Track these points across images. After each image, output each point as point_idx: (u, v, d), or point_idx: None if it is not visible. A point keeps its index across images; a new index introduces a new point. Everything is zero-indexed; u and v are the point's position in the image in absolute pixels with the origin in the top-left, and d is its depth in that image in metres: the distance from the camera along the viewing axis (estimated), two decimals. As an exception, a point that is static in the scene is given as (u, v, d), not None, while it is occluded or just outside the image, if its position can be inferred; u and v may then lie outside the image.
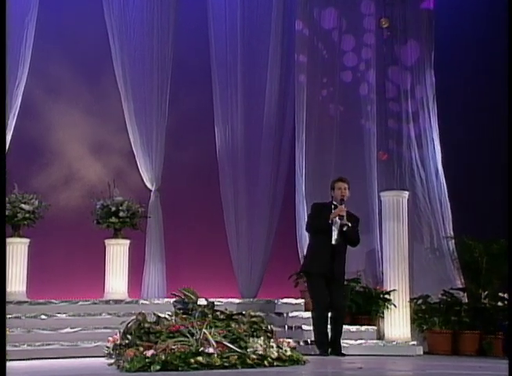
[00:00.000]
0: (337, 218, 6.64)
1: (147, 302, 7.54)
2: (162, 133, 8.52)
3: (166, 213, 8.51)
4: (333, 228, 6.66)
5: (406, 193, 8.06)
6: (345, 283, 7.00)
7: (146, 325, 5.44)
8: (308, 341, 7.02)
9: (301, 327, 7.34)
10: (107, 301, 7.50)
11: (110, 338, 5.58)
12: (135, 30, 8.54)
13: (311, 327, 7.12)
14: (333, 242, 6.64)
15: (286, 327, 7.32)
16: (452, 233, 8.78)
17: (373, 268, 8.59)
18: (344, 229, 6.62)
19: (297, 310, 7.65)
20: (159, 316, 5.59)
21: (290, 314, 7.50)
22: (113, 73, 8.45)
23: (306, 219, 7.10)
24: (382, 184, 8.83)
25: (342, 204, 6.68)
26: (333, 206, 6.72)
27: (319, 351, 6.66)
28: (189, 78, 8.91)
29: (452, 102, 9.12)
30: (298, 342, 6.77)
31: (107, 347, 5.60)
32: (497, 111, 8.40)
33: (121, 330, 5.54)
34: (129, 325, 5.53)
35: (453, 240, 8.66)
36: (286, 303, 7.77)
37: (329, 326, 6.67)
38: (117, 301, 7.52)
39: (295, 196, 8.56)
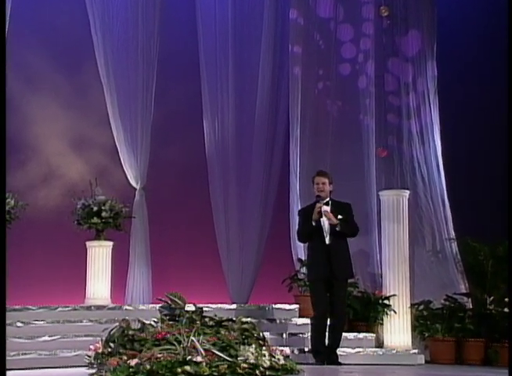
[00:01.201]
0: (325, 218, 6.62)
1: (131, 308, 7.55)
2: (147, 128, 8.52)
3: (152, 213, 8.53)
4: (324, 227, 6.65)
5: (407, 193, 8.07)
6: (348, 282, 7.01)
7: (130, 332, 5.45)
8: (304, 349, 7.06)
9: (295, 335, 7.38)
10: (88, 307, 7.45)
11: (92, 347, 5.54)
12: (118, 19, 8.51)
13: (306, 335, 7.23)
14: (327, 242, 6.63)
15: (281, 334, 7.34)
16: (454, 234, 8.82)
17: (371, 271, 8.59)
18: (338, 229, 6.62)
19: (292, 316, 7.69)
20: (144, 323, 5.61)
21: (284, 321, 7.53)
22: (95, 64, 8.43)
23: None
24: (381, 183, 8.82)
25: (318, 202, 6.66)
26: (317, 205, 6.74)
27: (315, 360, 6.68)
28: (177, 70, 8.91)
29: (454, 96, 9.14)
30: (293, 351, 6.82)
31: (88, 356, 5.55)
32: (501, 107, 8.41)
33: (103, 338, 5.53)
34: (112, 332, 5.53)
35: (456, 242, 8.69)
36: (279, 309, 7.79)
37: (327, 333, 6.71)
38: (99, 307, 7.52)
39: (289, 195, 8.56)
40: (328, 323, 6.76)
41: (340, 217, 6.74)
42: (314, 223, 6.64)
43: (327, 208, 6.71)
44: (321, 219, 6.69)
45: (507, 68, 7.81)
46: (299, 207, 8.15)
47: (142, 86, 8.46)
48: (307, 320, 7.24)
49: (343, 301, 6.80)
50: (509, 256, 7.34)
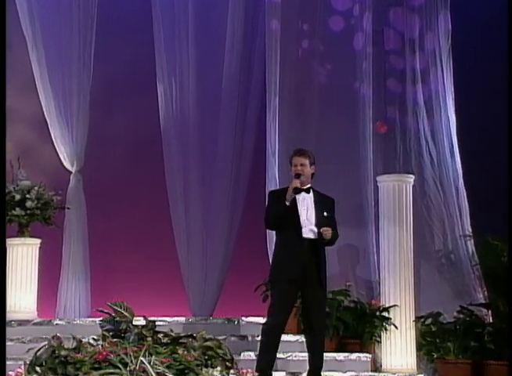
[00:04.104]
0: (304, 209, 6.66)
1: (64, 323, 7.57)
2: (85, 95, 8.51)
3: (91, 203, 8.56)
4: (300, 216, 6.65)
5: (412, 178, 8.09)
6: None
7: (63, 353, 5.50)
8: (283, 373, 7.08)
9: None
10: (9, 323, 7.36)
11: (12, 373, 5.59)
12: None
13: (286, 355, 7.24)
14: (304, 235, 6.66)
15: (252, 353, 7.27)
16: (471, 230, 8.83)
17: (366, 276, 8.57)
18: (327, 238, 6.65)
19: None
20: (80, 341, 5.65)
21: (257, 337, 7.38)
22: (15, 11, 8.47)
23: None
24: (379, 165, 8.81)
25: (298, 178, 6.68)
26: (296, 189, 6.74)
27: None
28: (123, 21, 8.94)
29: (472, 56, 9.16)
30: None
31: (8, 385, 5.68)
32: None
33: (28, 362, 5.58)
34: (39, 354, 5.57)
35: (473, 240, 8.69)
36: (251, 323, 7.81)
37: (303, 353, 6.74)
38: (21, 323, 7.57)
39: (265, 181, 8.50)
40: (305, 339, 6.79)
41: (325, 214, 6.76)
42: (288, 203, 6.61)
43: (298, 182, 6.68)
44: (298, 206, 6.68)
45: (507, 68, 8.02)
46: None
47: (77, 42, 8.46)
48: (288, 337, 7.26)
49: (323, 311, 6.81)
50: (509, 256, 7.51)
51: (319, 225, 6.67)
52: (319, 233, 6.64)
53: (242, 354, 7.15)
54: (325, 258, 6.75)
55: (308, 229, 6.67)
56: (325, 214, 6.73)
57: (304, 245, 6.64)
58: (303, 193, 6.74)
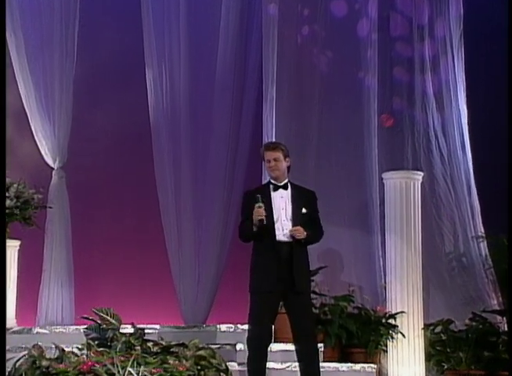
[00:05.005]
0: (281, 212, 6.59)
1: (46, 331, 7.58)
2: (68, 85, 8.50)
3: (75, 202, 8.54)
4: (275, 220, 6.58)
5: (420, 175, 8.10)
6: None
7: (44, 363, 5.53)
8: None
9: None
10: None
11: None
12: None
13: (283, 365, 7.21)
14: (280, 238, 6.56)
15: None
16: (484, 231, 8.86)
17: (371, 280, 8.57)
18: (300, 238, 6.55)
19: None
20: (63, 350, 5.68)
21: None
22: None
23: None
24: (385, 161, 8.81)
25: (257, 200, 6.52)
26: (272, 187, 6.68)
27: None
28: (108, 6, 8.97)
29: (486, 43, 9.18)
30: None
31: (-16, 399, 5.69)
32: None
33: (7, 373, 5.57)
34: (18, 364, 5.61)
35: (487, 242, 8.71)
36: (247, 330, 7.59)
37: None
38: None
39: (261, 178, 8.37)
40: (295, 349, 6.70)
41: (304, 211, 6.68)
42: (255, 228, 6.56)
43: (297, 228, 6.57)
44: (272, 207, 6.59)
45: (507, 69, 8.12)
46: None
47: (59, 26, 8.44)
48: (286, 346, 7.24)
49: (310, 318, 6.71)
50: (509, 256, 7.58)
51: (295, 224, 6.58)
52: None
53: (237, 364, 7.10)
54: (306, 258, 6.67)
55: (286, 231, 6.59)
56: (303, 211, 6.64)
57: (281, 249, 6.55)
58: (280, 190, 6.67)
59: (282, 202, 6.63)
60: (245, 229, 6.64)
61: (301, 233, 6.53)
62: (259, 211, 6.48)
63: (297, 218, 6.58)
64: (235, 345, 7.54)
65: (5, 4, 6.00)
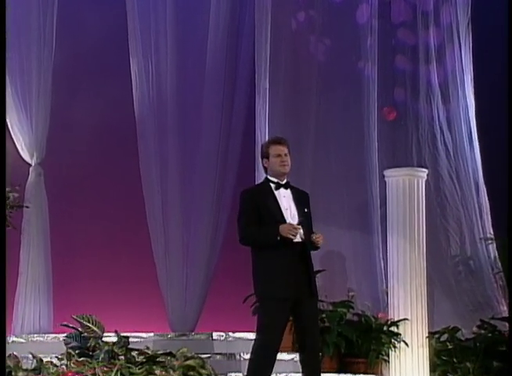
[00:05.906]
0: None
1: (22, 340, 7.61)
2: (47, 76, 8.48)
3: (53, 201, 8.50)
4: (287, 216, 6.60)
5: (424, 172, 8.14)
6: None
7: (21, 374, 5.62)
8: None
9: None
10: None
11: None
12: None
13: None
14: (297, 238, 6.53)
15: (241, 374, 7.30)
16: (493, 232, 8.91)
17: (372, 285, 8.61)
18: (319, 245, 6.59)
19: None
20: (41, 360, 5.76)
21: (246, 355, 7.35)
22: None
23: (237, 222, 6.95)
24: (387, 157, 8.87)
25: (299, 223, 6.55)
26: (273, 186, 6.66)
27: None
28: None
29: (495, 30, 9.12)
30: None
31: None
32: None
33: None
34: None
35: (496, 244, 8.74)
36: (240, 339, 7.83)
37: (298, 374, 6.68)
38: None
39: (255, 175, 8.38)
40: (299, 357, 6.66)
41: (306, 211, 6.71)
42: (279, 238, 6.51)
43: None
44: (280, 205, 6.60)
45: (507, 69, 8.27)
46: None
47: (36, 11, 8.43)
48: (281, 355, 7.15)
49: (317, 326, 6.74)
50: (509, 256, 7.72)
51: (300, 224, 6.56)
52: (306, 235, 6.54)
53: (228, 375, 7.14)
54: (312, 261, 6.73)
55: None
56: (305, 210, 6.68)
57: (294, 252, 6.55)
58: (282, 189, 6.67)
59: (285, 201, 6.64)
60: (260, 236, 6.56)
61: (322, 240, 6.57)
62: (295, 231, 6.47)
63: (302, 218, 6.60)
64: (226, 354, 7.54)
65: (5, 4, 6.06)
